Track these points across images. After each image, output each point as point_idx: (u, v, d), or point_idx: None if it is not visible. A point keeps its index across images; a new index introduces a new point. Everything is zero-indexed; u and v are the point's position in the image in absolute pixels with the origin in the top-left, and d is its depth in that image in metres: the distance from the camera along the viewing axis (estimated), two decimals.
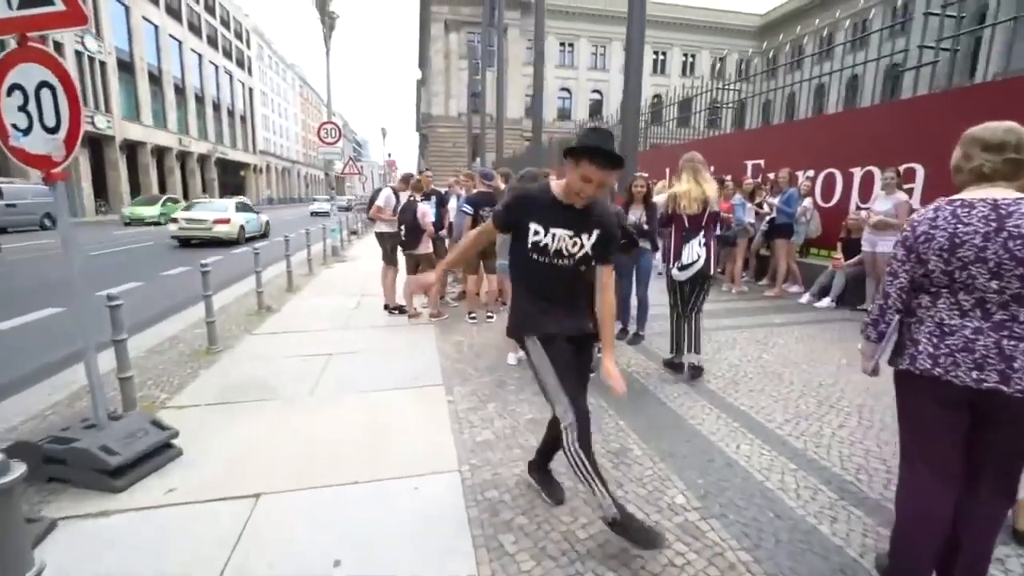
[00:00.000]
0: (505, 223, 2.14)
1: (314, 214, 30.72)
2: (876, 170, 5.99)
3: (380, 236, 6.08)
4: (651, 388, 3.74)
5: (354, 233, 15.04)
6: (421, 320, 5.69)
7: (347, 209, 22.88)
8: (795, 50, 34.68)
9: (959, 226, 1.59)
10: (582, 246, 2.04)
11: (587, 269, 2.12)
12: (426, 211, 5.43)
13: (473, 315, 5.67)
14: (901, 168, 5.47)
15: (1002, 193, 1.58)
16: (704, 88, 9.66)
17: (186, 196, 36.07)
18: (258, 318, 5.86)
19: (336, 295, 7.18)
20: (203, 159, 38.79)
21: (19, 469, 1.17)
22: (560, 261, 2.05)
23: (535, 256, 2.07)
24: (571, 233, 2.03)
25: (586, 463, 1.99)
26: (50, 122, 2.44)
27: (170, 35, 33.64)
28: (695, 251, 3.79)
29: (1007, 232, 1.52)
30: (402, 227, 5.41)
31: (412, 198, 5.61)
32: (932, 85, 7.29)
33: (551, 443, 2.37)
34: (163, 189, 33.53)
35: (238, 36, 46.87)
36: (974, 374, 1.57)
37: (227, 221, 14.24)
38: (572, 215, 2.03)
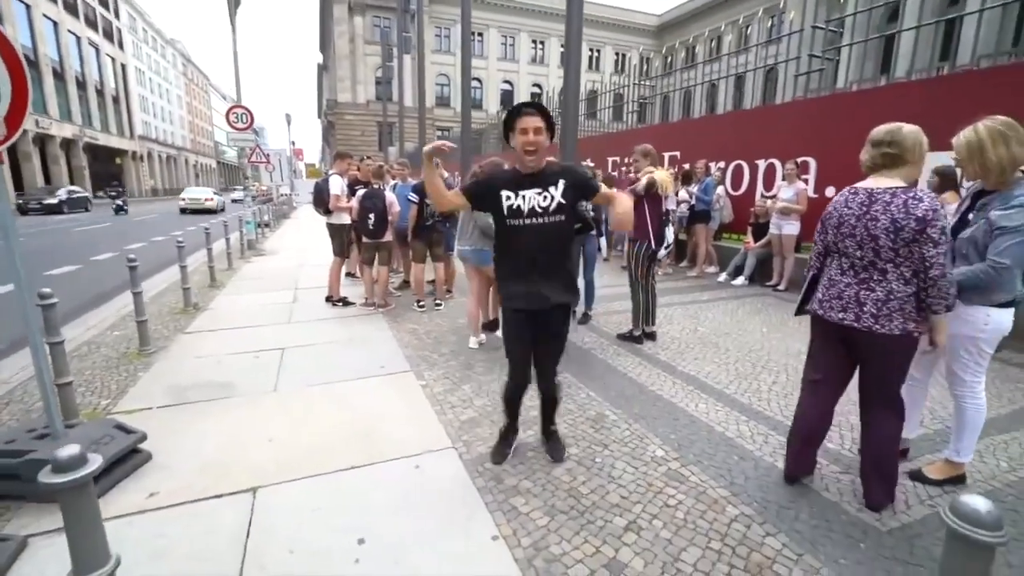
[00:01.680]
0: (474, 194, 2.41)
1: (234, 201, 34.10)
2: (777, 162, 6.82)
3: (335, 228, 5.81)
4: (610, 362, 4.06)
5: (266, 226, 14.07)
6: (368, 311, 5.60)
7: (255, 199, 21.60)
8: (689, 52, 37.55)
9: (845, 209, 2.13)
10: (552, 197, 2.27)
11: (566, 225, 2.34)
12: (393, 200, 5.33)
13: (422, 303, 5.68)
14: (798, 160, 6.29)
15: (885, 183, 2.06)
16: (621, 84, 10.25)
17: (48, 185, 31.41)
18: (186, 316, 5.43)
19: (267, 290, 6.79)
20: (68, 144, 33.87)
21: (96, 461, 1.13)
22: (536, 219, 2.29)
23: (512, 221, 2.30)
24: (538, 190, 2.28)
25: (505, 408, 2.62)
26: None
27: None
28: (671, 232, 4.48)
29: (870, 215, 2.03)
30: (371, 215, 5.26)
31: (379, 186, 5.49)
32: (807, 88, 8.42)
33: (543, 410, 2.68)
34: (17, 178, 28.93)
35: (103, 3, 41.20)
36: (839, 315, 2.15)
37: (212, 200, 23.76)
38: (534, 178, 2.30)
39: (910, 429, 2.65)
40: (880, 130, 2.08)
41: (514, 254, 2.37)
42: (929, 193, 1.99)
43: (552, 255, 2.37)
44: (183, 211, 23.68)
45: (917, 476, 2.46)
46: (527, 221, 2.28)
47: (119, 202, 23.38)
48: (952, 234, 2.24)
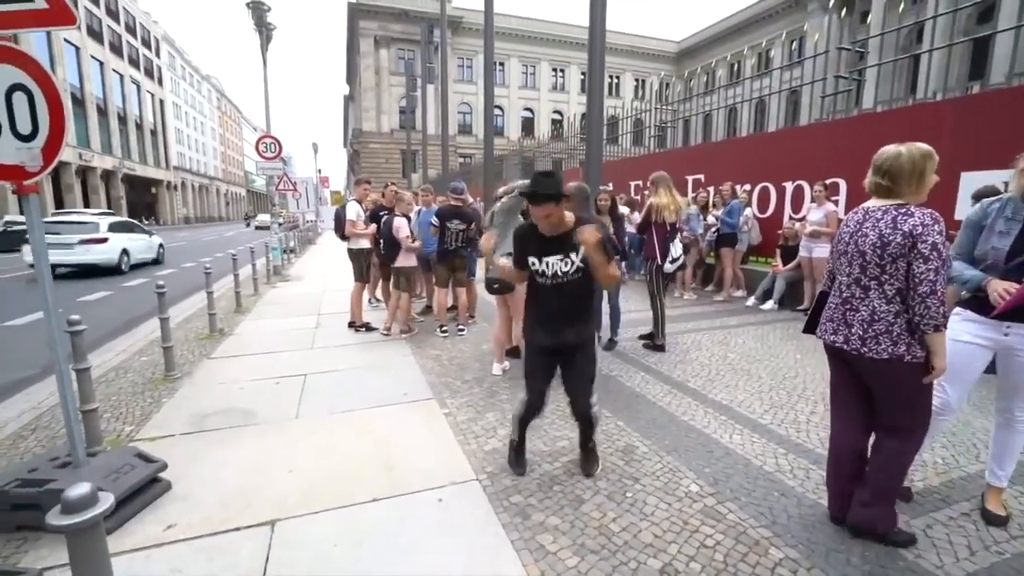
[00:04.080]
0: (519, 264, 2.58)
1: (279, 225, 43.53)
2: (805, 184, 6.67)
3: (354, 253, 5.88)
4: (638, 390, 3.91)
5: (292, 252, 14.36)
6: (391, 336, 5.58)
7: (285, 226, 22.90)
8: (711, 76, 37.71)
9: (845, 227, 2.13)
10: (573, 263, 2.44)
11: (586, 281, 2.48)
12: (400, 225, 5.36)
13: (445, 329, 5.63)
14: (827, 182, 6.13)
15: (880, 203, 2.01)
16: (642, 109, 10.28)
17: None
18: (211, 341, 5.48)
19: (291, 315, 6.84)
20: (108, 175, 35.53)
21: (108, 500, 1.08)
22: (558, 280, 2.46)
23: (539, 280, 2.53)
24: (560, 256, 2.44)
25: (515, 425, 2.71)
26: (24, 129, 2.21)
27: (65, 39, 30.65)
28: (679, 248, 4.82)
29: (862, 232, 2.01)
30: (381, 240, 5.33)
31: (387, 213, 5.54)
32: (834, 109, 8.29)
33: (582, 431, 2.75)
34: (59, 208, 30.34)
35: (146, 44, 43.69)
36: (831, 337, 2.12)
37: (267, 221, 22.30)
38: (557, 242, 2.43)
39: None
40: (881, 156, 1.99)
41: (541, 304, 2.58)
42: (925, 210, 1.88)
43: (574, 306, 2.55)
44: (257, 228, 34.10)
45: (990, 518, 2.27)
46: (551, 282, 2.47)
47: (248, 220, 40.30)
48: (1010, 256, 2.07)
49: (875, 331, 1.95)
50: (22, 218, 25.21)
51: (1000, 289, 2.02)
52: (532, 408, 2.63)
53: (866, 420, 2.19)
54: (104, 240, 11.20)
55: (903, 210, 1.90)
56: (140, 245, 12.79)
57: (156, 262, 13.84)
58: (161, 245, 14.23)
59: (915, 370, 1.94)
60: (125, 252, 11.78)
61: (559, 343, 2.54)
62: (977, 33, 7.93)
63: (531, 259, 2.48)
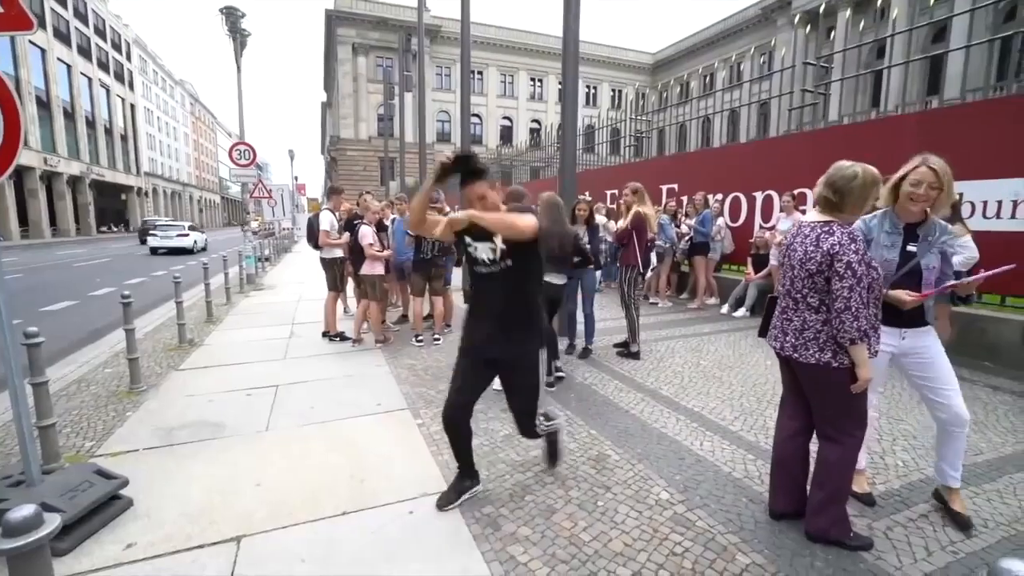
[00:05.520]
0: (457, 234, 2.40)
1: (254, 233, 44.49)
2: (775, 194, 6.86)
3: (327, 262, 5.81)
4: (612, 399, 3.95)
5: (266, 260, 14.10)
6: (366, 346, 5.52)
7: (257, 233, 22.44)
8: (684, 87, 38.54)
9: (787, 241, 2.26)
10: (497, 246, 2.27)
11: (516, 272, 2.29)
12: (364, 232, 5.32)
13: (420, 338, 5.60)
14: (795, 192, 6.31)
15: (813, 218, 2.14)
16: (618, 119, 10.44)
17: (53, 223, 31.84)
18: (180, 352, 5.34)
19: (264, 325, 6.72)
20: (75, 181, 34.44)
21: (53, 522, 1.04)
22: (485, 268, 2.33)
23: (473, 267, 2.41)
24: (490, 244, 2.30)
25: (448, 437, 2.50)
26: None
27: (30, 42, 29.77)
28: (654, 257, 5.19)
29: (793, 246, 2.16)
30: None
31: (355, 221, 5.51)
32: (801, 121, 8.60)
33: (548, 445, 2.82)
34: (23, 214, 29.31)
35: (116, 47, 42.69)
36: (773, 342, 2.27)
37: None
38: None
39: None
40: (837, 173, 2.04)
41: (476, 299, 2.48)
42: (845, 228, 2.00)
43: (505, 309, 2.34)
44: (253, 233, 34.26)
45: (960, 520, 2.34)
46: (481, 270, 2.35)
47: (242, 225, 39.83)
48: (900, 266, 2.25)
49: (804, 338, 2.09)
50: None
51: (902, 295, 2.20)
52: (445, 412, 2.43)
53: (807, 420, 2.30)
54: (187, 235, 21.47)
55: (827, 228, 2.02)
56: (200, 238, 22.88)
57: (203, 249, 22.54)
58: (206, 239, 24.56)
59: (844, 377, 2.04)
60: (195, 241, 21.83)
61: (485, 346, 2.36)
62: (932, 52, 8.32)
63: (467, 238, 2.35)
